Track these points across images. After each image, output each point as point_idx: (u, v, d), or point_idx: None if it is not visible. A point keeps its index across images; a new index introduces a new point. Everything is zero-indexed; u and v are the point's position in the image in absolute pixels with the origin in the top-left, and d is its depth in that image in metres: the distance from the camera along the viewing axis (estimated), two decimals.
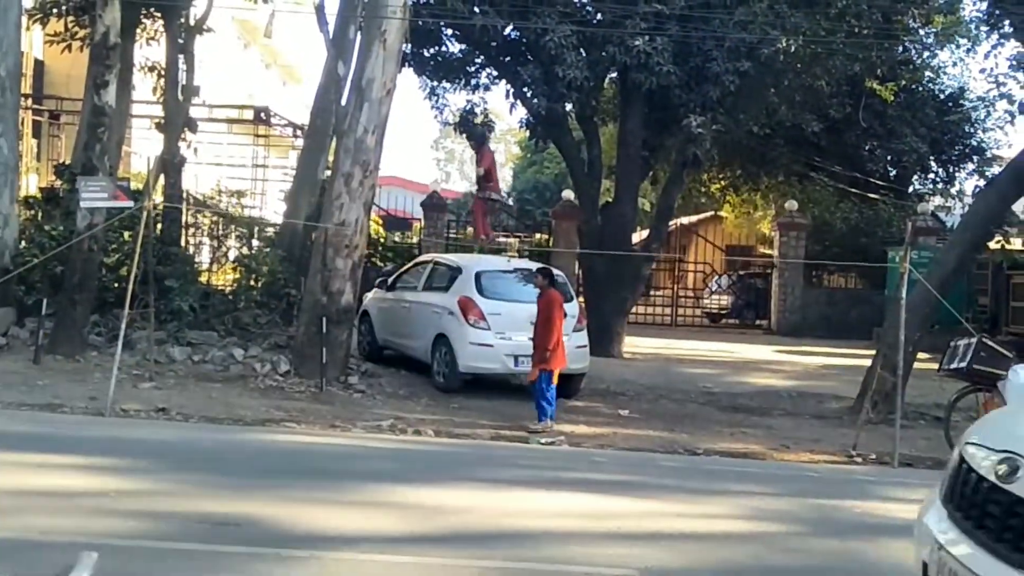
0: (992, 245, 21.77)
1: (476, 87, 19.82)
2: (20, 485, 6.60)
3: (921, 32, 22.61)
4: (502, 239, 29.61)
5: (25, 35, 16.91)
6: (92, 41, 13.94)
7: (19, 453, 7.78)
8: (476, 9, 16.45)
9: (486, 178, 14.10)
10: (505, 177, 73.96)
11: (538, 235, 27.60)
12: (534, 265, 15.75)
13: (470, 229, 27.82)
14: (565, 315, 11.60)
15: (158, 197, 14.89)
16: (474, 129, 13.44)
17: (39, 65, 24.24)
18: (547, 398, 11.21)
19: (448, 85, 19.94)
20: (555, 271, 14.80)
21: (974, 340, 10.75)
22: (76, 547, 5.27)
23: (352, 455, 9.03)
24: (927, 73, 26.95)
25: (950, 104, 27.10)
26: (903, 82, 24.89)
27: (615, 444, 10.65)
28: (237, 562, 5.26)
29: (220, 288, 16.74)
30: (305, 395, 12.21)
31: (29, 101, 22.54)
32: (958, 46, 26.37)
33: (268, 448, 9.14)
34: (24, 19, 15.78)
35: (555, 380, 11.32)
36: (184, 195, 17.69)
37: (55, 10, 17.13)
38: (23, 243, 14.20)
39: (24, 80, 18.47)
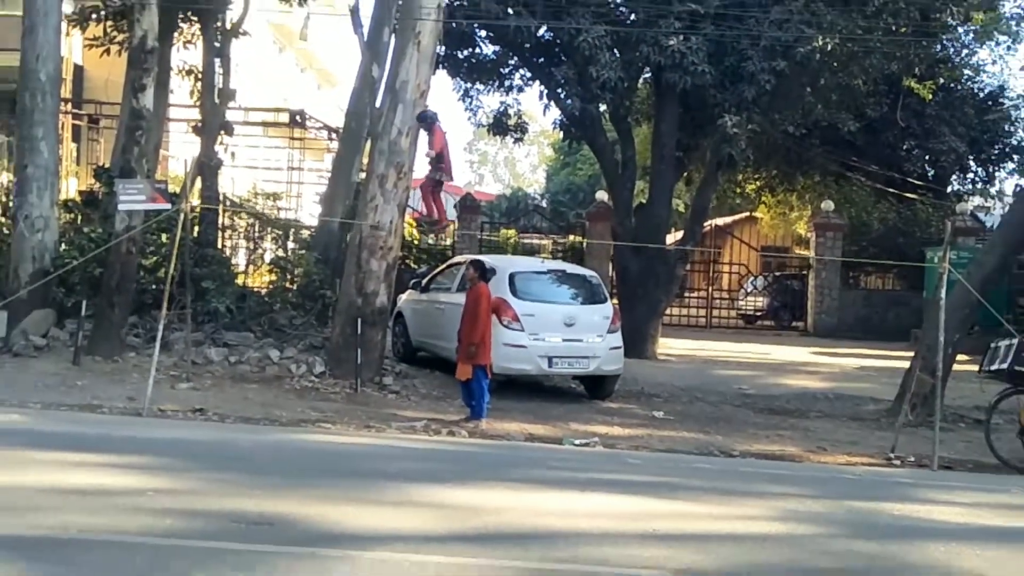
0: None
1: (510, 88, 19.88)
2: (59, 483, 6.67)
3: (960, 29, 22.36)
4: (535, 240, 29.74)
5: (65, 40, 17.15)
6: (130, 45, 14.13)
7: (58, 452, 7.86)
8: (510, 10, 16.48)
9: (438, 159, 13.85)
10: (539, 179, 74.05)
11: (572, 236, 27.58)
12: (568, 266, 15.73)
13: (505, 231, 27.93)
14: (493, 310, 11.38)
15: (195, 199, 15.02)
16: (423, 111, 13.32)
17: (79, 70, 24.56)
18: (482, 396, 11.03)
19: (482, 87, 20.00)
20: (569, 265, 14.78)
21: (1015, 341, 10.58)
22: (113, 545, 5.37)
23: (386, 455, 9.04)
24: (966, 71, 26.61)
25: (989, 102, 26.73)
26: (941, 80, 24.57)
27: (650, 446, 10.60)
28: (272, 561, 5.28)
29: (256, 290, 16.87)
30: (340, 396, 12.27)
31: (69, 106, 22.85)
32: (997, 43, 26.05)
33: (303, 448, 9.18)
34: (64, 24, 16.01)
35: (490, 374, 11.16)
36: (220, 197, 17.85)
37: (94, 15, 17.39)
38: (63, 246, 14.38)
39: (64, 85, 18.72)
